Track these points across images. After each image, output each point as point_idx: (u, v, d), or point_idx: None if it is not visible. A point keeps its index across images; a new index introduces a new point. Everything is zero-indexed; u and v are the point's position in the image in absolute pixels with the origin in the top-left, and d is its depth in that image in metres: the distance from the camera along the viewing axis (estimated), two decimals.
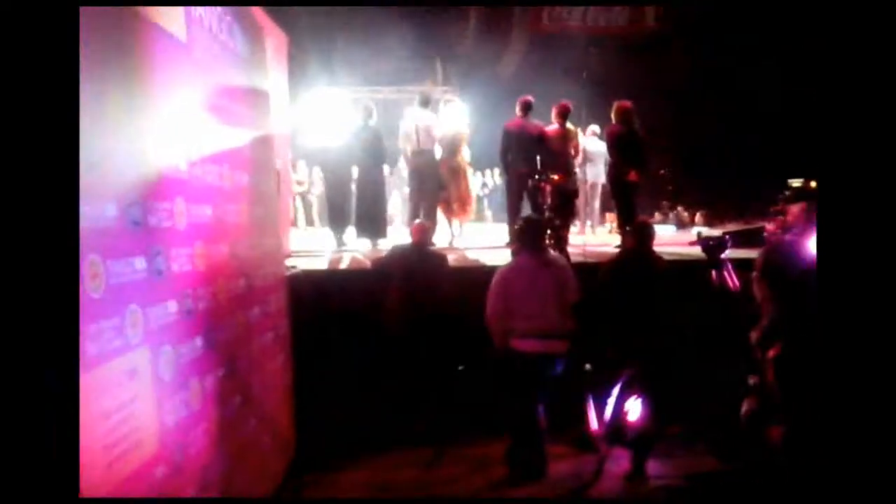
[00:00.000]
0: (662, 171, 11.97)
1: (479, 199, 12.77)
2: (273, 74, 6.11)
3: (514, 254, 4.77)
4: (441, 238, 7.71)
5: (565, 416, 4.92)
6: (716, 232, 7.13)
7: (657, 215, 10.62)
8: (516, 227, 4.57)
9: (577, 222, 9.28)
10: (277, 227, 4.70)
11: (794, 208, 6.23)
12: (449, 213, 8.12)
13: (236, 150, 3.80)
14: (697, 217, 9.95)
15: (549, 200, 5.87)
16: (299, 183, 12.08)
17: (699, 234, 6.88)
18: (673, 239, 8.07)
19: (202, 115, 3.28)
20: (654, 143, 12.91)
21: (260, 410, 4.03)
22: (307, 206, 12.54)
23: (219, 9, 3.61)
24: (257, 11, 5.96)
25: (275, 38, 6.24)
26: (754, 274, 2.79)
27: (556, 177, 6.10)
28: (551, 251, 4.89)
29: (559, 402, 4.74)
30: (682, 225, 9.75)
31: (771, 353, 2.21)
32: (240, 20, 4.02)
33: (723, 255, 3.89)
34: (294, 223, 10.54)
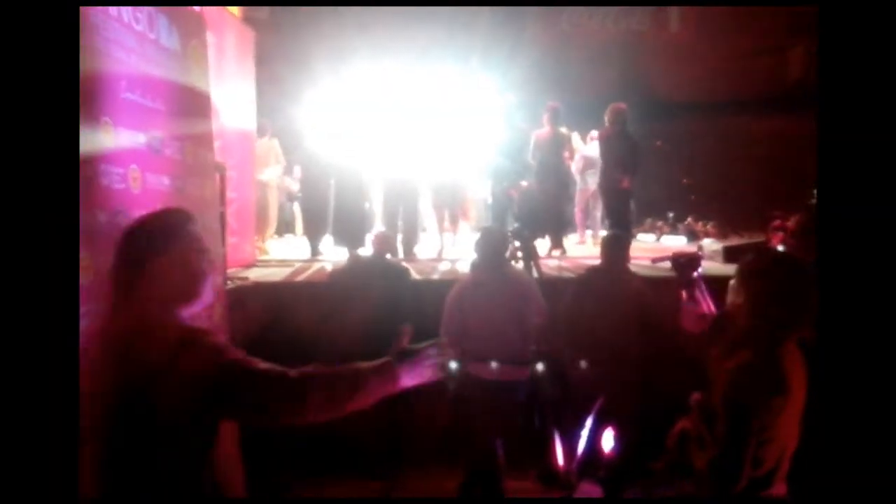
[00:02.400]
0: (685, 181, 11.37)
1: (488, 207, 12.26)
2: (234, 71, 5.78)
3: (472, 268, 4.32)
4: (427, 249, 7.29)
5: (527, 449, 4.45)
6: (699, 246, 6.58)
7: (664, 226, 10.01)
8: (476, 239, 4.14)
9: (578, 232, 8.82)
10: (214, 235, 4.32)
11: (792, 222, 5.68)
12: (441, 222, 7.70)
13: (149, 151, 3.44)
14: (709, 228, 9.34)
15: (515, 209, 5.40)
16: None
17: (700, 246, 6.36)
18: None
19: (96, 111, 2.93)
20: (678, 150, 12.38)
21: None
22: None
23: None
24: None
25: (236, 35, 5.86)
26: (732, 282, 2.44)
27: (524, 183, 5.62)
28: (514, 265, 4.44)
29: (520, 434, 4.28)
30: (693, 236, 9.16)
31: (730, 364, 1.96)
32: (166, 10, 3.68)
33: (695, 274, 3.39)
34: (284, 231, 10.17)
